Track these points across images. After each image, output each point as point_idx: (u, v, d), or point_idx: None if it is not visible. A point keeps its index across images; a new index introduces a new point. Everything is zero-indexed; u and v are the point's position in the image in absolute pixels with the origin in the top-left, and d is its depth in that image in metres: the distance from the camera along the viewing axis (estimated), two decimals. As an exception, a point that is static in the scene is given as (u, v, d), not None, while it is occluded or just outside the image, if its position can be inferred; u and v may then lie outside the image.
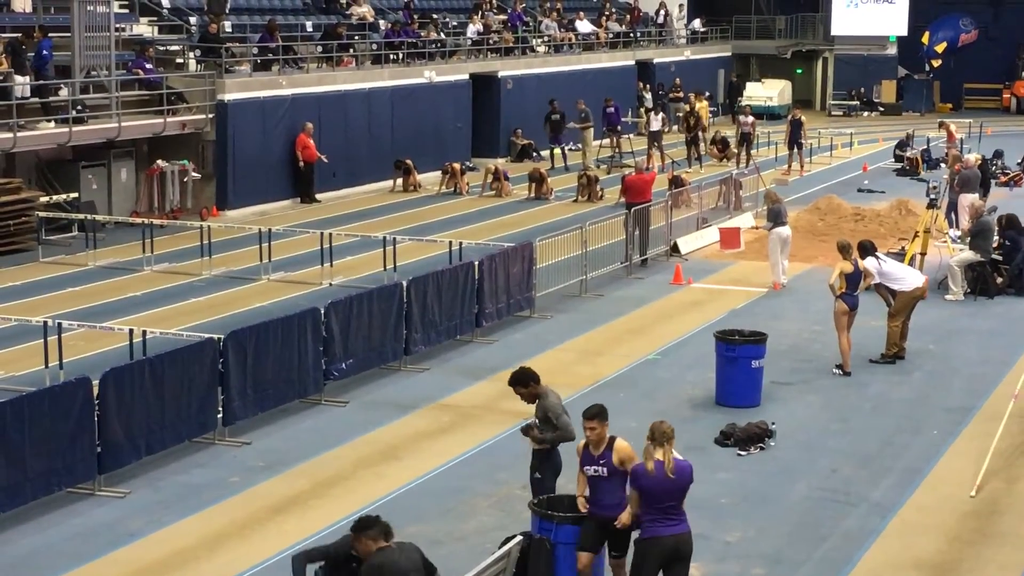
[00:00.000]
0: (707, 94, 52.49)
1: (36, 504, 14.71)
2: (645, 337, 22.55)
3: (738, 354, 18.59)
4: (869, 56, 65.07)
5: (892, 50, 65.50)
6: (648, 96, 53.03)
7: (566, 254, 26.00)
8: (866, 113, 63.77)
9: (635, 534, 11.74)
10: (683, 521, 11.51)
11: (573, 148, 45.13)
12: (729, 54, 63.94)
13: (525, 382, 13.18)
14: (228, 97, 34.31)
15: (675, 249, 29.33)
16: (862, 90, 64.81)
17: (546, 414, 13.03)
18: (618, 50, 53.89)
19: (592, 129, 43.72)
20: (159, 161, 33.13)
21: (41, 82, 30.43)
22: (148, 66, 33.67)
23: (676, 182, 33.93)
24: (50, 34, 31.08)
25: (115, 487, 15.50)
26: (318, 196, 36.40)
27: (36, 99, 30.50)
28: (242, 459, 16.61)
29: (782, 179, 39.27)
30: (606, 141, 45.39)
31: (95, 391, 15.40)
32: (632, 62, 54.31)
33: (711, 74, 60.74)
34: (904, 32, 64.26)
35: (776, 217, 26.03)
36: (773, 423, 17.44)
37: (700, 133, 45.10)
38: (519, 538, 11.90)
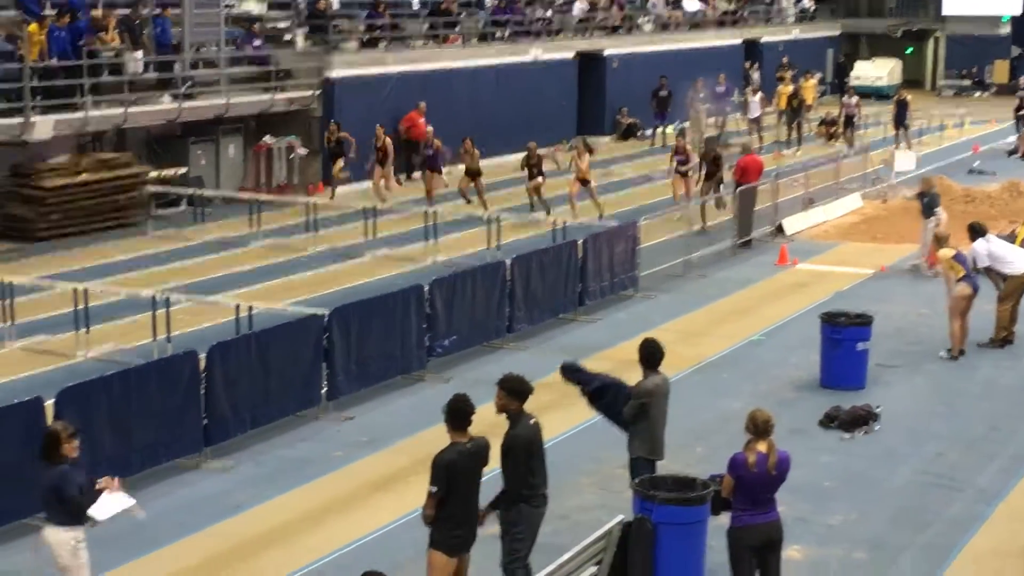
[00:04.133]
0: (818, 75, 51.88)
1: (143, 475, 14.92)
2: (749, 318, 22.42)
3: (843, 336, 18.43)
4: (981, 36, 64.02)
5: (1005, 29, 64.42)
6: (756, 76, 52.57)
7: (670, 234, 25.89)
8: (977, 93, 62.81)
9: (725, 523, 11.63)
10: (774, 509, 11.42)
11: (679, 126, 44.90)
12: (838, 33, 63.26)
13: (654, 360, 13.10)
14: (335, 74, 34.52)
15: (780, 230, 29.11)
16: (974, 70, 63.86)
17: (635, 391, 13.05)
18: (726, 28, 53.51)
19: (706, 108, 43.49)
20: (266, 137, 33.42)
21: (153, 58, 30.80)
22: (256, 43, 33.94)
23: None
24: (159, 10, 31.46)
25: (220, 460, 15.68)
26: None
27: (149, 75, 30.90)
28: (345, 434, 16.74)
29: (890, 160, 38.81)
30: (712, 120, 45.05)
31: (202, 364, 15.60)
32: (739, 41, 53.90)
33: (819, 53, 60.13)
34: (1018, 11, 63.19)
35: (934, 203, 25.41)
36: (878, 406, 17.27)
37: (804, 114, 44.66)
38: (620, 518, 11.89)
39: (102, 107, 29.20)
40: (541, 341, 20.90)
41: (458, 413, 11.03)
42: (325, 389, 17.35)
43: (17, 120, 27.36)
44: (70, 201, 28.56)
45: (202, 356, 15.72)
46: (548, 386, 18.40)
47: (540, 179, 30.76)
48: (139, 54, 30.32)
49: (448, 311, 19.32)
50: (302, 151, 33.69)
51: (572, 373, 13.65)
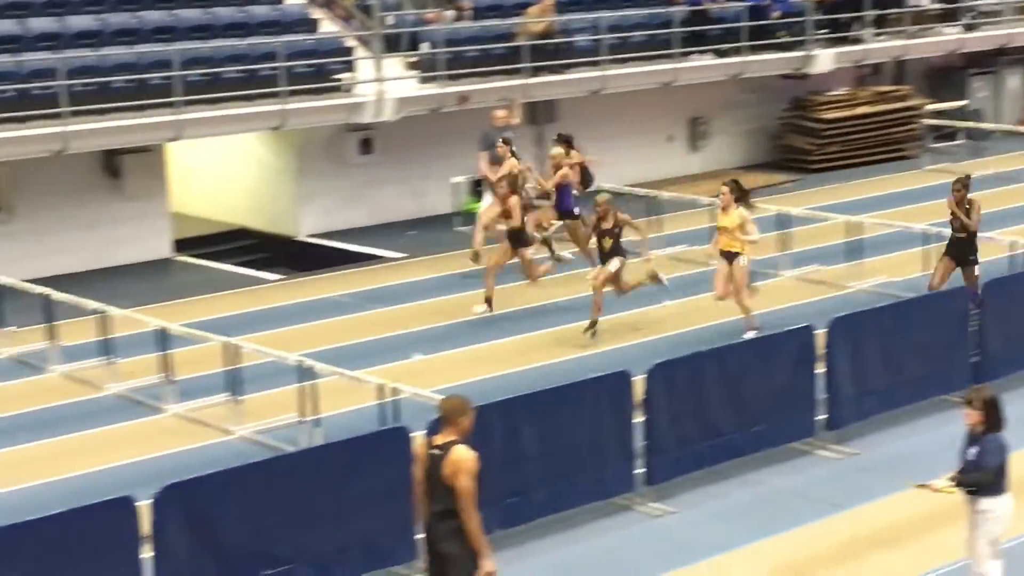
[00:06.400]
0: None
1: (911, 408, 14.94)
2: None
3: None
4: None
5: None
6: None
7: None
8: None
9: None
10: None
11: None
12: None
13: None
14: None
15: None
16: None
17: None
18: None
19: None
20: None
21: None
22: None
23: None
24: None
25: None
26: None
27: (933, 6, 30.80)
28: None
29: None
30: None
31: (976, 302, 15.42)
32: None
33: None
34: None
35: None
36: None
37: None
38: None
39: (883, 39, 29.43)
40: None
41: None
42: None
43: (800, 53, 28.07)
44: (846, 133, 28.95)
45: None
46: None
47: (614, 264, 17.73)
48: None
49: None
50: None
51: None
